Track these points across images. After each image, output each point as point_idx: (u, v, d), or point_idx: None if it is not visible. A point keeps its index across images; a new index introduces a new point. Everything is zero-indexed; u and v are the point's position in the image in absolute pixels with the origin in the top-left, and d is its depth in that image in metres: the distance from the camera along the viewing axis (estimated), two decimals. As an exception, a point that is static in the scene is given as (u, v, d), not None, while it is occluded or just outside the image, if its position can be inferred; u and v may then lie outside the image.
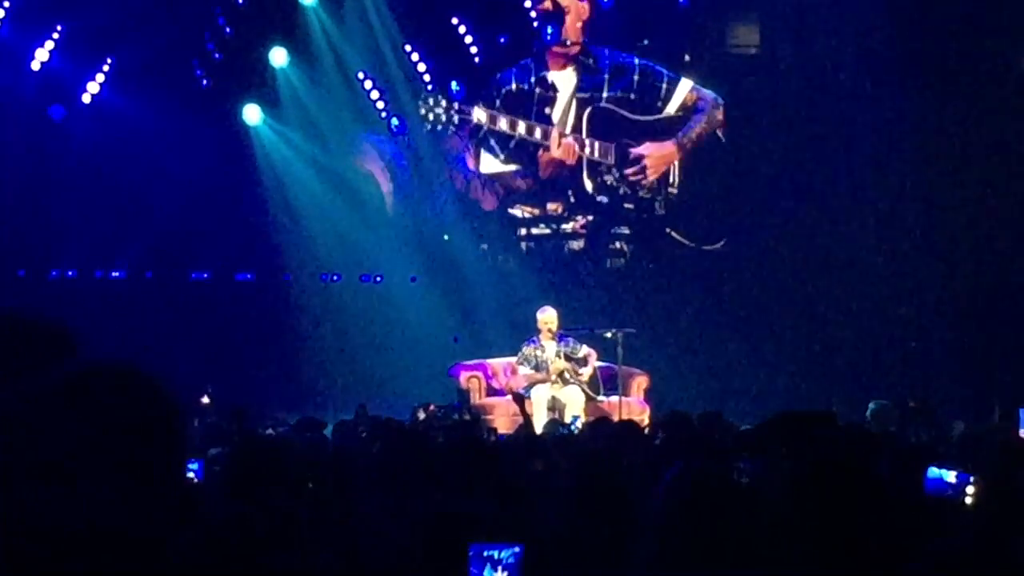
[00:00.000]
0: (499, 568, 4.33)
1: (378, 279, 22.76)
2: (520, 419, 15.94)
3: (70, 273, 21.54)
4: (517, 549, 4.36)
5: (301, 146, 22.33)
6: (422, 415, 15.80)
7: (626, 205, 22.51)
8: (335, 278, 22.70)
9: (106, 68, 20.67)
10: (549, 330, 17.47)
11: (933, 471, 5.79)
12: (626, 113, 22.25)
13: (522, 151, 22.51)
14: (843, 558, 3.42)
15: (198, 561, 3.38)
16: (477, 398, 18.10)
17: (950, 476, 5.77)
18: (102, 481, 1.98)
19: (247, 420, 9.38)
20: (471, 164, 22.86)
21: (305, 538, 5.51)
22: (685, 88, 22.33)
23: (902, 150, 20.70)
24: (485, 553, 4.33)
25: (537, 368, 17.31)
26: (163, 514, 2.06)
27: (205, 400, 15.34)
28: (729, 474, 5.94)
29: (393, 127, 22.15)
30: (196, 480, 6.62)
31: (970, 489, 5.70)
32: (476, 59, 22.05)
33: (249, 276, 22.76)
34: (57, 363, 2.14)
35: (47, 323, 3.51)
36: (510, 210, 22.72)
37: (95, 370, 2.10)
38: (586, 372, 17.43)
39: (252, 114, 22.09)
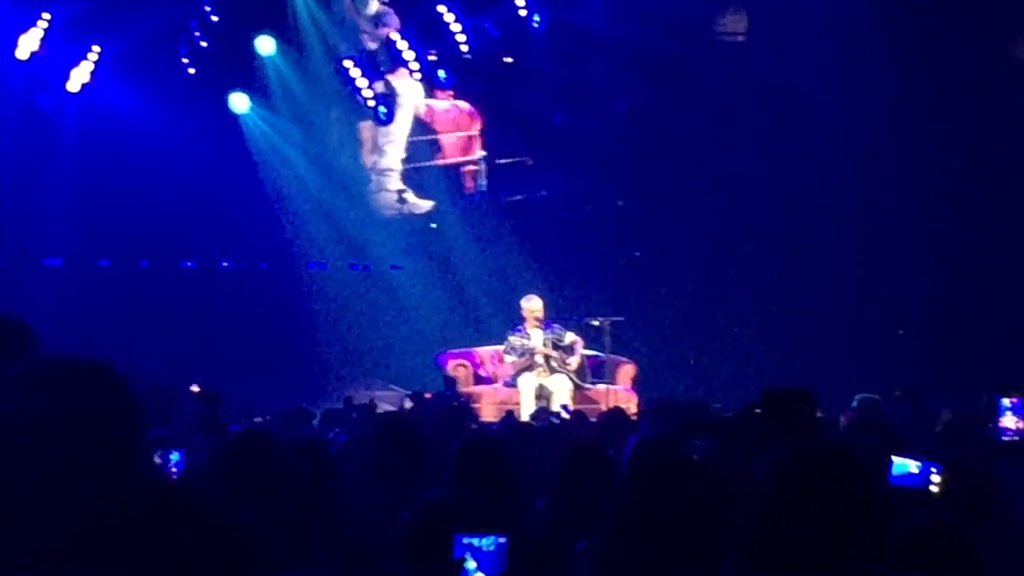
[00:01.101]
0: (480, 557, 4.33)
1: (366, 267, 22.72)
2: (506, 407, 16.06)
3: (56, 262, 21.46)
4: (502, 540, 4.37)
5: (290, 134, 22.29)
6: (409, 404, 15.80)
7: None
8: (322, 266, 22.67)
9: (93, 56, 20.59)
10: (536, 318, 17.50)
11: (897, 462, 5.79)
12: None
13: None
14: (818, 549, 3.43)
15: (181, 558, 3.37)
16: (464, 386, 18.10)
17: (913, 466, 5.76)
18: (60, 475, 1.97)
19: (221, 406, 9.23)
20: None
21: (289, 533, 5.51)
22: None
23: (889, 138, 20.71)
24: (465, 541, 4.33)
25: (523, 356, 17.34)
26: (125, 510, 2.04)
27: (195, 388, 15.32)
28: (680, 448, 5.98)
29: (381, 115, 22.06)
30: (176, 471, 6.50)
31: (935, 479, 5.71)
32: (464, 47, 21.95)
33: (237, 265, 22.71)
34: (17, 357, 2.14)
35: (3, 319, 3.51)
36: (499, 197, 22.65)
37: (55, 364, 2.10)
38: (573, 360, 17.47)
39: (239, 102, 22.05)
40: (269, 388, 17.52)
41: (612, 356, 17.64)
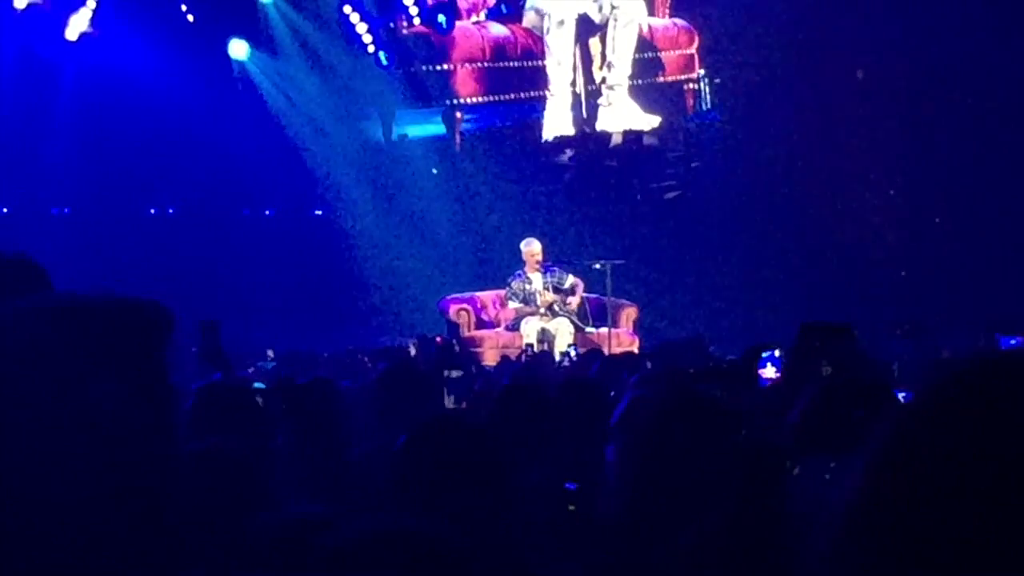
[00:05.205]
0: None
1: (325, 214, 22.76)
2: (508, 351, 16.14)
3: (62, 210, 21.47)
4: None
5: (297, 80, 22.10)
6: (413, 350, 15.87)
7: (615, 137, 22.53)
8: (321, 213, 22.68)
9: (91, 4, 20.46)
10: (536, 261, 17.53)
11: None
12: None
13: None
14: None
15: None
16: (466, 331, 18.16)
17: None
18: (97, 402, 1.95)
19: (218, 335, 8.96)
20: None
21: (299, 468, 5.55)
22: None
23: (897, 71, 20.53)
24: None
25: (526, 301, 17.37)
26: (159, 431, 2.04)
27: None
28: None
29: (382, 61, 21.79)
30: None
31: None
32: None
33: (242, 211, 22.72)
34: (31, 295, 2.11)
35: (13, 257, 3.54)
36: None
37: (82, 298, 2.09)
38: (573, 301, 17.51)
39: (238, 49, 21.91)
40: (276, 334, 17.53)
41: (613, 299, 17.66)
